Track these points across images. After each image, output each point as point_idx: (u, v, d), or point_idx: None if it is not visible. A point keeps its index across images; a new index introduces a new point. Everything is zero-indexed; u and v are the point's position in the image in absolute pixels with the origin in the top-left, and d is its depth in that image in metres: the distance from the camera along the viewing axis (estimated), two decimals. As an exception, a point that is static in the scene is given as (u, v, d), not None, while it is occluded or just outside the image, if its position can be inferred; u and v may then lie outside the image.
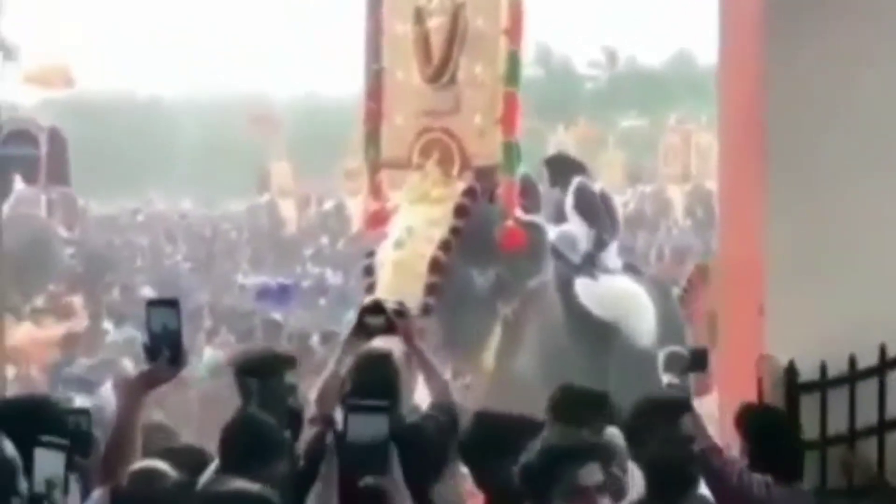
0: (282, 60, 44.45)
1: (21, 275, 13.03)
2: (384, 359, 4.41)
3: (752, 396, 6.02)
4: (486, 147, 9.01)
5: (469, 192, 8.82)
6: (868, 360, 6.13)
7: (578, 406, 4.84)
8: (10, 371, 10.38)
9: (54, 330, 13.05)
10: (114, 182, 31.07)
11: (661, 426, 4.96)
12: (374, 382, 4.33)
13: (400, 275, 8.56)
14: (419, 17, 9.18)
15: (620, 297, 9.33)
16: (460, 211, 8.74)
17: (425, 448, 4.46)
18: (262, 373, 4.64)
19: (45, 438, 3.35)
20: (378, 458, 2.79)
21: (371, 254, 8.95)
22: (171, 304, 3.57)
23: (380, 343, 4.57)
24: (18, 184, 18.58)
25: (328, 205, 26.73)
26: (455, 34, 9.05)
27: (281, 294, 17.04)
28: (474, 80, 9.02)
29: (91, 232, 23.25)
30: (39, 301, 14.50)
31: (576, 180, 9.75)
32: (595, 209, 9.68)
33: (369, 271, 8.88)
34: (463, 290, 8.55)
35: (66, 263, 18.04)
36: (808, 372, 6.12)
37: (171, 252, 23.64)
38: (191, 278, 20.15)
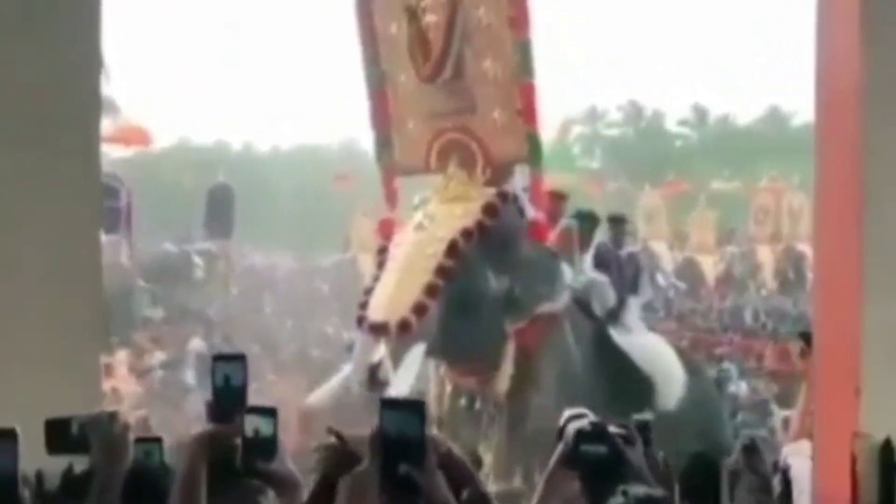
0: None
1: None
2: None
3: (846, 475, 5.75)
4: (509, 142, 8.73)
5: (502, 195, 8.63)
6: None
7: None
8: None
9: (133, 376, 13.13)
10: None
11: None
12: None
13: (415, 254, 8.37)
14: (412, 15, 8.83)
15: (659, 354, 9.15)
16: (489, 210, 8.49)
17: None
18: None
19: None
20: (413, 452, 2.80)
21: (389, 238, 8.80)
22: (238, 358, 3.37)
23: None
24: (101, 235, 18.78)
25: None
26: (453, 28, 8.75)
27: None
28: (485, 76, 8.67)
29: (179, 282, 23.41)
30: (121, 348, 14.56)
31: (596, 238, 9.60)
32: (611, 267, 9.47)
33: (383, 250, 8.71)
34: (476, 285, 8.32)
35: (147, 313, 18.16)
36: (905, 451, 5.84)
37: (262, 304, 23.73)
38: (281, 330, 20.19)
